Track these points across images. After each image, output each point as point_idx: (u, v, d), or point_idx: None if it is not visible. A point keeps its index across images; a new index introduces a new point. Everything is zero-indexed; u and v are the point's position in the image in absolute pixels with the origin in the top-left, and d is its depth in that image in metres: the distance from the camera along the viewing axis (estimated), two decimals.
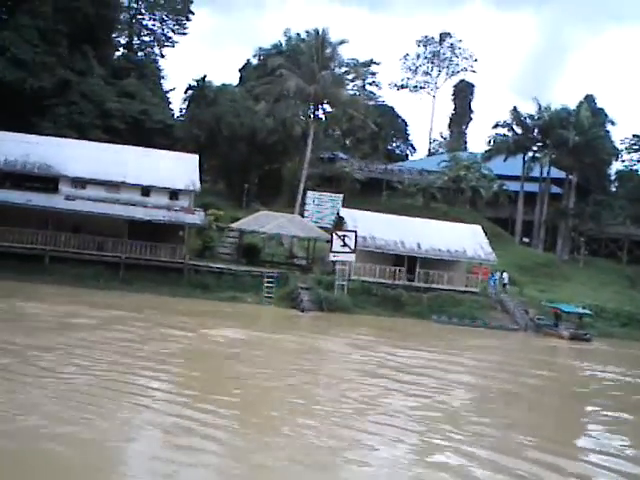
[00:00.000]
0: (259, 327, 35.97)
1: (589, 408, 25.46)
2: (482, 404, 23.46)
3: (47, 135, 48.76)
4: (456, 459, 16.15)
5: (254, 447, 15.55)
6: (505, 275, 48.59)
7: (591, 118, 67.95)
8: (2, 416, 15.57)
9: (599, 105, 76.78)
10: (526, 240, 69.86)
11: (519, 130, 71.36)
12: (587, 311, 44.52)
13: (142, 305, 35.62)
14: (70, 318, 29.68)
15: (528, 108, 72.91)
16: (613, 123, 72.48)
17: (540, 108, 70.13)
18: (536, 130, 70.89)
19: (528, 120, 71.19)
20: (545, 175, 68.68)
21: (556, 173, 70.39)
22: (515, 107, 71.95)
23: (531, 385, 27.55)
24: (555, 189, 71.57)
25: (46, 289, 36.62)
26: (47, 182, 44.75)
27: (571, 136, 65.61)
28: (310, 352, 29.86)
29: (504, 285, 48.19)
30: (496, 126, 72.61)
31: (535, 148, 71.11)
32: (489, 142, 74.02)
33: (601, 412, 24.29)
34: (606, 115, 73.67)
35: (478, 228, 50.55)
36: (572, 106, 70.01)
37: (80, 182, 44.86)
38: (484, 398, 24.44)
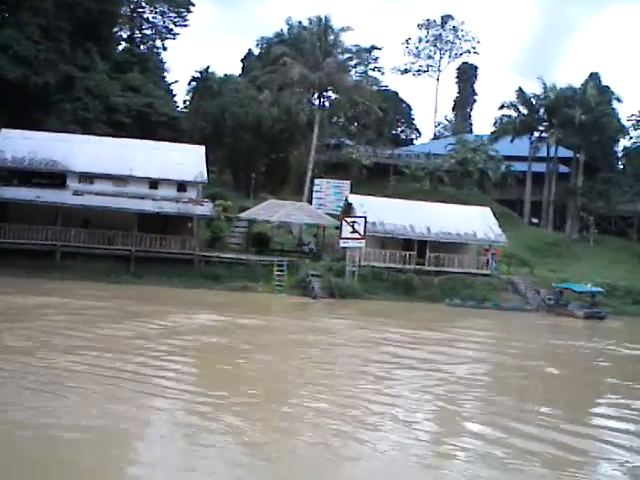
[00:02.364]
0: (278, 314, 36.45)
1: None
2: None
3: (53, 131, 48.77)
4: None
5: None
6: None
7: (597, 96, 67.54)
8: None
9: (605, 83, 76.22)
10: (535, 221, 69.71)
11: (525, 110, 71.09)
12: (599, 289, 44.37)
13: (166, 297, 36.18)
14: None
15: (533, 88, 72.88)
16: (619, 100, 71.94)
17: (545, 88, 69.82)
18: (542, 110, 70.57)
19: (533, 100, 70.89)
20: (552, 155, 68.48)
21: (563, 152, 70.17)
22: (520, 87, 71.69)
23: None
24: (563, 168, 71.35)
25: (64, 285, 36.73)
26: (55, 178, 44.88)
27: (577, 114, 65.34)
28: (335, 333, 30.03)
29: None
30: (502, 107, 72.38)
31: (541, 128, 70.86)
32: (495, 123, 73.89)
33: None
34: (612, 93, 73.08)
35: (487, 210, 50.42)
36: (577, 85, 69.68)
37: (88, 177, 44.95)
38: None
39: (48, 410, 15.84)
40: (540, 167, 68.98)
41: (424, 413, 18.78)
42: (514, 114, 71.77)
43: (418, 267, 45.34)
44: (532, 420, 18.31)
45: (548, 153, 68.67)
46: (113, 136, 50.53)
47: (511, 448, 15.73)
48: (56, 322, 27.18)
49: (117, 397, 17.30)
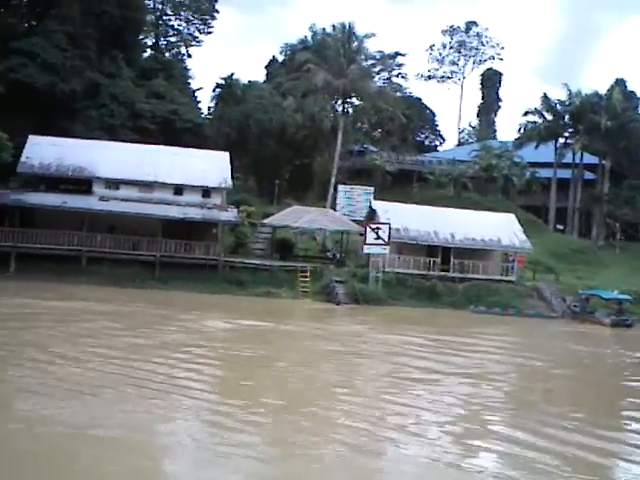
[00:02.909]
0: (303, 319, 36.57)
1: None
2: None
3: (79, 138, 49.27)
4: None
5: None
6: None
7: (623, 102, 67.10)
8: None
9: (631, 89, 75.61)
10: (560, 227, 69.21)
11: (550, 116, 70.72)
12: (627, 297, 43.88)
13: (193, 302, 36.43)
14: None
15: (558, 94, 72.37)
16: None
17: (570, 94, 69.43)
18: (567, 116, 70.20)
19: (558, 106, 70.53)
20: (577, 161, 67.97)
21: (589, 159, 69.60)
22: (545, 93, 71.40)
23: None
24: (588, 175, 70.80)
25: (91, 289, 37.06)
26: (81, 184, 45.33)
27: (603, 121, 64.88)
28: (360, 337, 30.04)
29: None
30: (526, 113, 72.02)
31: (566, 134, 70.47)
32: (519, 130, 73.50)
33: None
34: (638, 99, 72.58)
35: (512, 216, 50.14)
36: (603, 91, 69.24)
37: (113, 183, 45.35)
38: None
39: (83, 411, 16.02)
40: (565, 173, 68.50)
41: (452, 417, 18.67)
42: (539, 120, 71.40)
43: (442, 273, 45.17)
44: (559, 424, 18.24)
45: (573, 159, 68.17)
46: (138, 142, 50.90)
47: (539, 451, 15.68)
48: (88, 326, 27.48)
49: (148, 399, 17.44)
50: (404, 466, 14.54)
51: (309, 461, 14.30)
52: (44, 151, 45.63)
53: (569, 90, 69.68)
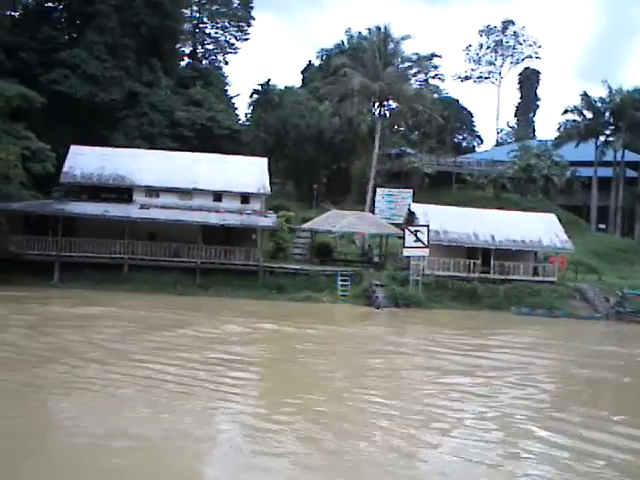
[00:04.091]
0: (346, 323, 36.48)
1: None
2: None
3: (119, 147, 50.06)
4: None
5: None
6: None
7: None
8: None
9: None
10: (602, 226, 68.28)
11: (590, 115, 69.86)
12: None
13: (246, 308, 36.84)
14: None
15: (598, 92, 71.56)
16: None
17: (611, 91, 68.50)
18: (607, 113, 69.26)
19: (599, 104, 69.61)
20: (619, 159, 67.02)
21: (631, 156, 68.69)
22: (585, 91, 70.61)
23: None
24: (630, 173, 69.73)
25: (135, 296, 37.61)
26: (122, 192, 45.96)
27: None
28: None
29: None
30: (566, 112, 71.26)
31: (607, 132, 69.52)
32: (559, 128, 72.81)
33: None
34: None
35: (552, 217, 49.62)
36: None
37: (153, 191, 45.89)
38: None
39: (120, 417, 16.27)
40: (607, 172, 67.56)
41: (493, 420, 18.58)
42: (579, 118, 70.60)
43: (482, 275, 44.85)
44: (601, 426, 18.11)
45: (615, 157, 67.24)
46: (177, 150, 51.56)
47: (579, 452, 15.68)
48: (135, 332, 27.93)
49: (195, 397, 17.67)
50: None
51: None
52: (85, 161, 46.37)
53: (609, 87, 68.80)
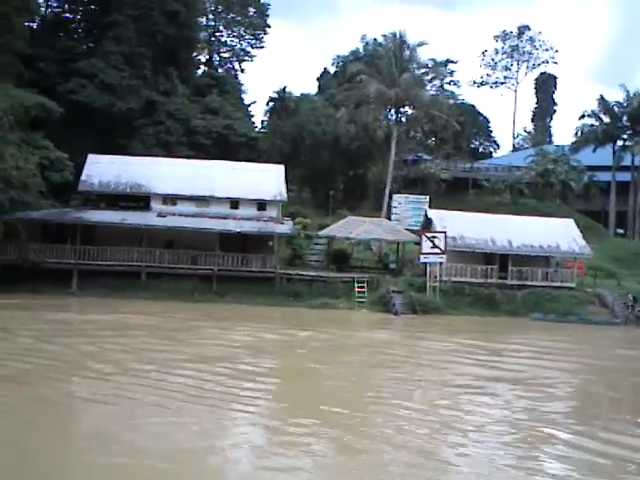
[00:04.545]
0: (363, 329, 36.70)
1: None
2: None
3: (137, 155, 50.33)
4: None
5: None
6: None
7: None
8: None
9: None
10: (621, 231, 67.80)
11: (607, 119, 69.38)
12: None
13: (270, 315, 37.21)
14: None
15: (615, 96, 71.09)
16: None
17: (628, 95, 68.07)
18: (625, 117, 68.76)
19: (616, 108, 69.16)
20: (637, 163, 66.54)
21: None
22: (602, 95, 70.10)
23: None
24: None
25: (154, 304, 37.84)
26: (139, 200, 46.23)
27: None
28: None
29: None
30: (583, 116, 70.81)
31: (625, 136, 69.00)
32: (576, 133, 72.26)
33: None
34: None
35: (570, 222, 49.37)
36: None
37: (170, 198, 46.11)
38: None
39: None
40: (625, 176, 67.04)
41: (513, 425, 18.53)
42: (596, 123, 70.12)
43: (500, 281, 44.68)
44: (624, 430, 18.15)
45: (633, 162, 66.74)
46: (194, 158, 51.76)
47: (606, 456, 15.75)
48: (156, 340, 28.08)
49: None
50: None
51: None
52: (103, 169, 46.68)
53: (627, 91, 68.38)
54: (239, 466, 14.65)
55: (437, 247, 43.08)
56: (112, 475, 13.62)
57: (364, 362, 27.15)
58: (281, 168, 49.76)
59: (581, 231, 48.49)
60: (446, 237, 43.55)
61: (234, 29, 78.27)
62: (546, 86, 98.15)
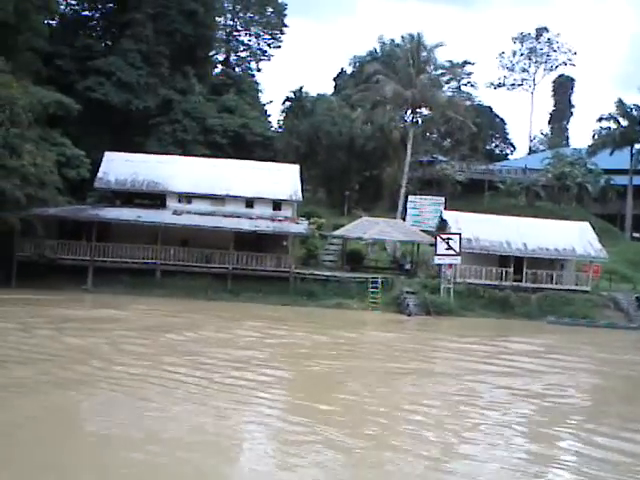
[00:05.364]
0: (378, 330, 36.51)
1: None
2: None
3: (153, 153, 50.57)
4: None
5: None
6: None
7: None
8: None
9: None
10: (637, 235, 67.45)
11: (625, 122, 69.15)
12: None
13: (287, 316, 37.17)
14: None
15: (633, 99, 70.76)
16: None
17: None
18: None
19: (634, 111, 68.87)
20: None
21: None
22: (620, 99, 69.96)
23: None
24: None
25: (169, 302, 38.03)
26: (155, 198, 46.49)
27: None
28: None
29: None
30: (600, 119, 70.68)
31: None
32: (593, 136, 72.16)
33: None
34: None
35: (586, 225, 49.11)
36: None
37: (186, 197, 46.25)
38: None
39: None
40: None
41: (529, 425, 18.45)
42: (614, 126, 69.92)
43: (515, 284, 44.51)
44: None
45: None
46: (210, 157, 51.92)
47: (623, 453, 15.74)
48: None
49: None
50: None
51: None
52: (119, 167, 46.91)
53: None
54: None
55: (452, 249, 42.99)
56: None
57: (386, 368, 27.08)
58: (296, 168, 49.82)
59: (597, 234, 48.24)
60: (461, 239, 43.44)
61: (251, 28, 78.54)
62: (564, 88, 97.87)
